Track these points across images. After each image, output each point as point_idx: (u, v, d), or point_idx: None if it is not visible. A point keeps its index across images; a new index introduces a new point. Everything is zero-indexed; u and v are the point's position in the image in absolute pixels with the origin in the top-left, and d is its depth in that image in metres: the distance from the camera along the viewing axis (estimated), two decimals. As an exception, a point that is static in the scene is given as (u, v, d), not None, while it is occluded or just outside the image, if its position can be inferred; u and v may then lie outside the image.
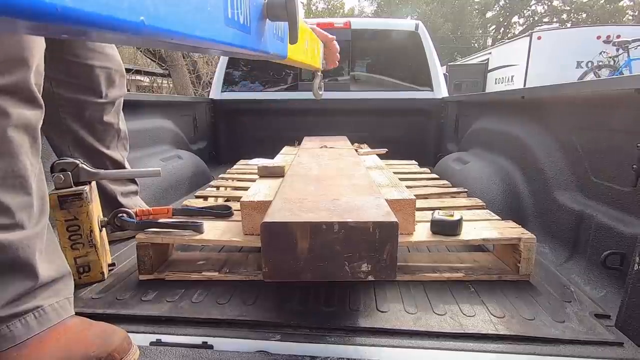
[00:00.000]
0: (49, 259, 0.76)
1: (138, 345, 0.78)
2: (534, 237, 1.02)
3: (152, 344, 0.83)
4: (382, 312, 0.90)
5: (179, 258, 1.17)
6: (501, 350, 0.78)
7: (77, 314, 0.85)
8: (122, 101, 1.35)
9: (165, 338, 0.84)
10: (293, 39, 0.73)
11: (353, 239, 0.77)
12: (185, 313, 0.90)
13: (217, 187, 1.73)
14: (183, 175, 2.05)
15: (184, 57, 8.04)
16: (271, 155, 2.04)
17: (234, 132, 3.04)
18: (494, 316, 0.88)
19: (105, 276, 1.08)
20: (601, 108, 1.13)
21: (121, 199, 1.35)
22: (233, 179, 1.87)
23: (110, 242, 1.21)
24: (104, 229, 1.11)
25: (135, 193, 1.45)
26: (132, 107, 1.87)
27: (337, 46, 1.48)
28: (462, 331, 0.83)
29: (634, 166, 0.94)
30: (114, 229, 1.16)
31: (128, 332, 0.80)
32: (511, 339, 0.81)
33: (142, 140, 1.95)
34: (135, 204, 1.40)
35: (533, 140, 1.46)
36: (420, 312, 0.90)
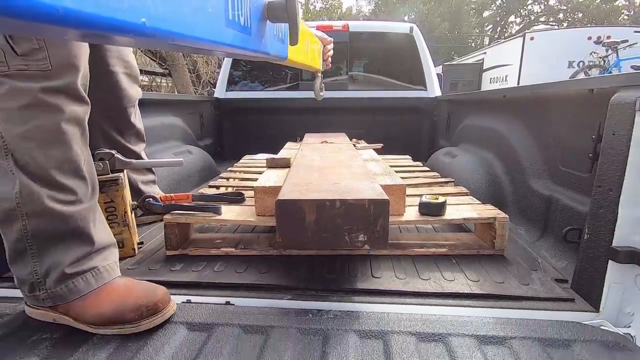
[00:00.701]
0: (100, 230, 0.92)
1: (172, 304, 0.94)
2: (507, 216, 1.19)
3: (183, 303, 0.99)
4: (376, 277, 1.06)
5: (199, 238, 1.33)
6: (475, 305, 0.95)
7: None
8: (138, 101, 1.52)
9: (194, 299, 1.00)
10: (293, 41, 0.74)
11: (352, 213, 0.94)
12: (209, 279, 1.06)
13: (227, 179, 1.88)
14: (193, 168, 2.21)
15: (184, 57, 8.17)
16: (273, 151, 2.19)
17: (237, 129, 3.19)
18: (470, 280, 1.04)
19: (136, 252, 1.23)
20: (566, 105, 1.29)
21: (142, 187, 1.51)
22: (240, 172, 2.03)
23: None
24: (132, 211, 1.27)
25: (153, 182, 1.60)
26: (147, 106, 2.03)
27: (331, 48, 1.63)
28: (443, 291, 0.99)
29: (590, 155, 1.11)
30: (143, 211, 1.32)
31: None
32: (483, 297, 0.98)
33: (156, 136, 2.11)
34: (154, 192, 1.56)
35: (513, 135, 1.63)
36: (408, 277, 1.06)
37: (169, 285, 1.04)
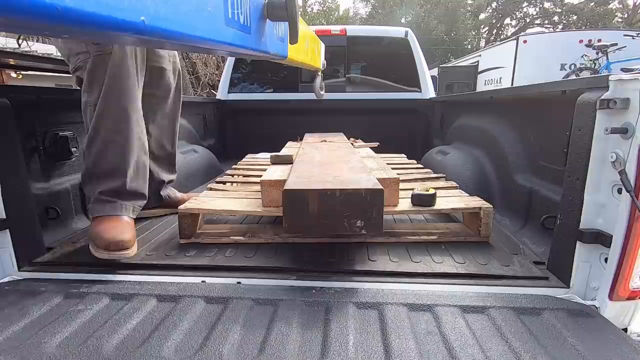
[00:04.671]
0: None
1: (189, 283, 1.06)
2: (491, 206, 1.31)
3: (198, 283, 1.09)
4: (372, 261, 1.18)
5: (209, 228, 1.43)
6: (460, 283, 1.07)
7: (139, 264, 1.15)
8: None
9: (209, 280, 1.11)
10: (293, 39, 0.75)
11: (350, 202, 1.05)
12: (222, 263, 1.17)
13: (232, 175, 1.99)
14: (199, 166, 2.32)
15: (183, 59, 8.27)
16: (274, 150, 2.29)
17: (239, 129, 3.30)
18: (457, 262, 1.16)
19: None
20: (544, 105, 1.42)
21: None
22: (244, 169, 2.14)
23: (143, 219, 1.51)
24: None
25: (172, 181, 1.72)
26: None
27: None
28: (432, 271, 1.11)
29: (565, 150, 1.22)
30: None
31: (179, 276, 1.09)
32: (468, 276, 1.09)
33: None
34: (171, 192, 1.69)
35: (499, 133, 1.75)
36: (401, 261, 1.18)
37: (184, 268, 1.16)
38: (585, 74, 6.25)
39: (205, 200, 1.42)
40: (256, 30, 0.66)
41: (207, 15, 0.48)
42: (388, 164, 1.97)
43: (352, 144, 2.27)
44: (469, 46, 26.30)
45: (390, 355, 0.77)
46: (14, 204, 1.11)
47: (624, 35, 6.67)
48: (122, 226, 1.21)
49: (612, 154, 0.90)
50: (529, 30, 22.91)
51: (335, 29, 3.20)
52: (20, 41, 7.46)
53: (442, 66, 10.44)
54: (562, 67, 7.00)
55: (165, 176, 1.63)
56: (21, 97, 1.27)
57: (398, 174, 1.47)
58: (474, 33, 28.58)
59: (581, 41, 6.80)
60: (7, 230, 1.11)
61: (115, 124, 1.22)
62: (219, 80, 3.53)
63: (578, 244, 1.00)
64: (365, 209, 1.06)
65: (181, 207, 1.32)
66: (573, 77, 6.36)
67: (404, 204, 1.39)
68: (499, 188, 1.69)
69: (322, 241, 1.30)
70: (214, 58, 9.04)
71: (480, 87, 8.79)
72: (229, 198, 1.46)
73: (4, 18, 0.25)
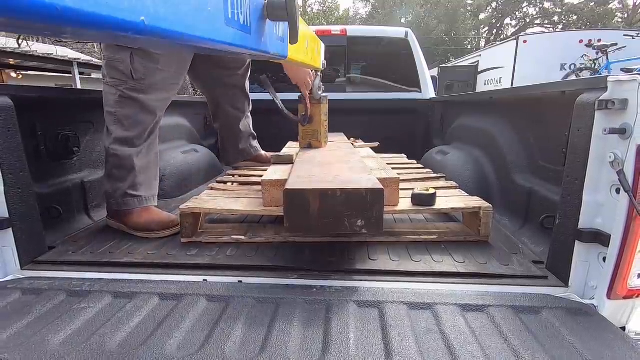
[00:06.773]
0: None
1: (190, 282, 1.07)
2: (491, 206, 1.31)
3: (200, 282, 1.10)
4: (373, 260, 1.19)
5: (210, 228, 1.44)
6: (459, 282, 1.07)
7: (139, 264, 1.16)
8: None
9: (210, 279, 1.12)
10: (293, 39, 0.74)
11: (351, 201, 1.06)
12: (223, 262, 1.18)
13: (233, 175, 2.00)
14: (200, 166, 2.33)
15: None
16: (275, 150, 2.30)
17: None
18: (457, 262, 1.17)
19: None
20: (544, 106, 1.43)
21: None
22: (245, 169, 2.15)
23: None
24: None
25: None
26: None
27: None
28: (432, 270, 1.12)
29: (564, 150, 1.23)
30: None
31: (180, 275, 1.10)
32: (467, 275, 1.10)
33: (165, 135, 2.22)
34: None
35: (499, 134, 1.76)
36: (401, 260, 1.18)
37: (186, 267, 1.17)
38: (585, 74, 6.26)
39: (207, 199, 1.43)
40: (256, 30, 0.66)
41: (207, 15, 0.48)
42: (388, 164, 1.98)
43: (352, 144, 2.28)
44: (469, 46, 26.31)
45: (391, 353, 0.77)
46: (16, 203, 1.12)
47: (624, 35, 6.68)
48: (161, 211, 1.46)
49: (610, 155, 0.91)
50: (529, 30, 22.96)
51: (336, 29, 3.20)
52: (20, 41, 7.47)
53: (442, 66, 10.45)
54: (562, 67, 7.01)
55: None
56: (24, 97, 1.28)
57: (398, 174, 1.47)
58: (474, 33, 28.60)
59: (581, 41, 6.81)
60: (10, 229, 1.12)
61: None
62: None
63: (577, 243, 1.01)
64: (366, 208, 1.06)
65: (182, 206, 1.33)
66: (573, 77, 6.38)
67: (404, 203, 1.39)
68: (498, 188, 1.70)
69: (323, 240, 1.31)
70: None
71: (480, 87, 8.80)
72: (230, 197, 1.47)
73: (4, 18, 0.25)
